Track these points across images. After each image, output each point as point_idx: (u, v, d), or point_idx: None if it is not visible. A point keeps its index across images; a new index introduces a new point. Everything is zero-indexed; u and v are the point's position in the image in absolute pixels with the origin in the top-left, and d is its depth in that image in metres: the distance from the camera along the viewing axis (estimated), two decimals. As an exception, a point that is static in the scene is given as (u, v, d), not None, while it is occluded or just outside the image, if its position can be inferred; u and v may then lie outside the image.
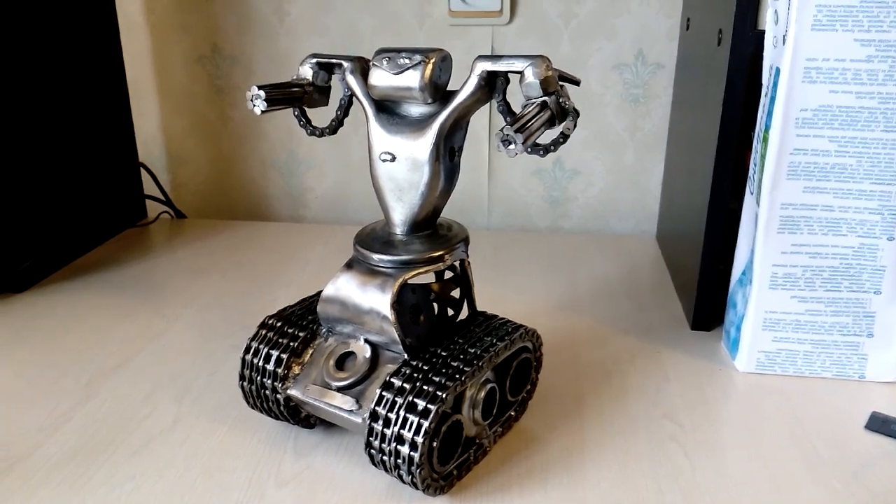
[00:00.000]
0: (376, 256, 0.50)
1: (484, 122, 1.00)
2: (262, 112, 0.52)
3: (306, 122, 0.56)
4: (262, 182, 1.09)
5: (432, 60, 0.47)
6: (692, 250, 0.72)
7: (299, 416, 0.53)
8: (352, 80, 0.52)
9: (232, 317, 0.74)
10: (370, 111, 0.51)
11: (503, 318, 0.55)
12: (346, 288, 0.50)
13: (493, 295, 0.79)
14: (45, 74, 0.82)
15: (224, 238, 0.97)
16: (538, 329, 0.69)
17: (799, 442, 0.54)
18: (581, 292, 0.80)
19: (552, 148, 0.45)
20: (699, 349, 0.67)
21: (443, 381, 0.46)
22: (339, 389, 0.49)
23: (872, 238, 0.58)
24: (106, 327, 0.72)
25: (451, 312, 0.56)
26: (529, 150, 0.44)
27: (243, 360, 0.53)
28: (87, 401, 0.59)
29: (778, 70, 0.56)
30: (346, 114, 0.54)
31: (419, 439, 0.44)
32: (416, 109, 0.50)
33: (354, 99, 0.53)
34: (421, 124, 0.49)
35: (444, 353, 0.49)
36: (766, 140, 0.58)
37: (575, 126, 0.45)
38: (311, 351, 0.52)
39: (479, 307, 0.56)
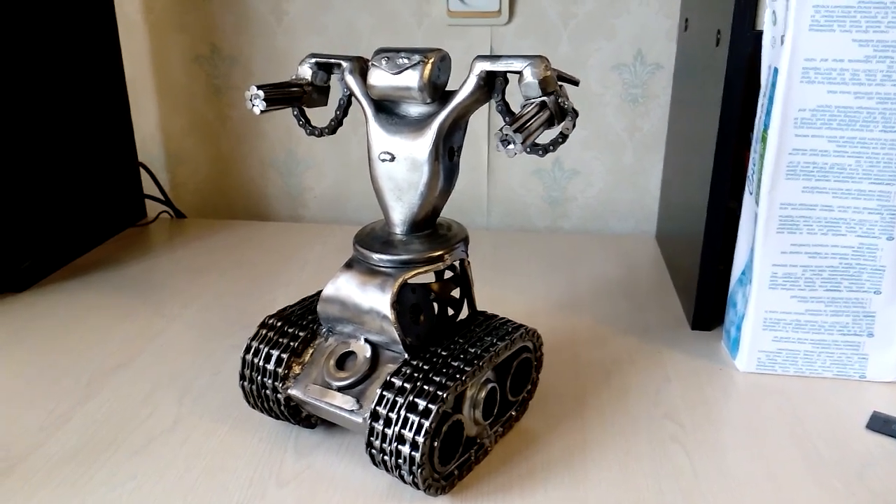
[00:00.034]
0: (376, 256, 0.50)
1: (483, 122, 1.00)
2: (261, 112, 0.52)
3: (305, 122, 0.56)
4: (261, 182, 1.09)
5: (431, 60, 0.47)
6: (692, 250, 0.72)
7: (300, 415, 0.53)
8: (351, 80, 0.52)
9: (232, 316, 0.74)
10: (369, 111, 0.51)
11: (503, 318, 0.55)
12: (346, 288, 0.50)
13: (492, 295, 0.79)
14: (44, 74, 0.82)
15: (223, 238, 0.97)
16: (538, 329, 0.69)
17: (800, 442, 0.54)
18: (581, 292, 0.80)
19: (551, 148, 0.45)
20: (699, 349, 0.67)
21: (443, 380, 0.46)
22: (340, 389, 0.49)
23: (872, 238, 0.58)
24: (106, 327, 0.72)
25: (451, 312, 0.56)
26: (528, 150, 0.44)
27: (244, 359, 0.53)
28: (88, 401, 0.59)
29: (776, 70, 0.56)
30: (345, 113, 0.55)
31: (420, 439, 0.44)
32: (415, 109, 0.50)
33: (353, 99, 0.53)
34: (420, 124, 0.49)
35: (444, 353, 0.49)
36: (764, 140, 0.58)
37: (574, 126, 0.45)
38: (311, 351, 0.52)
39: (479, 307, 0.56)
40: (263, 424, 0.56)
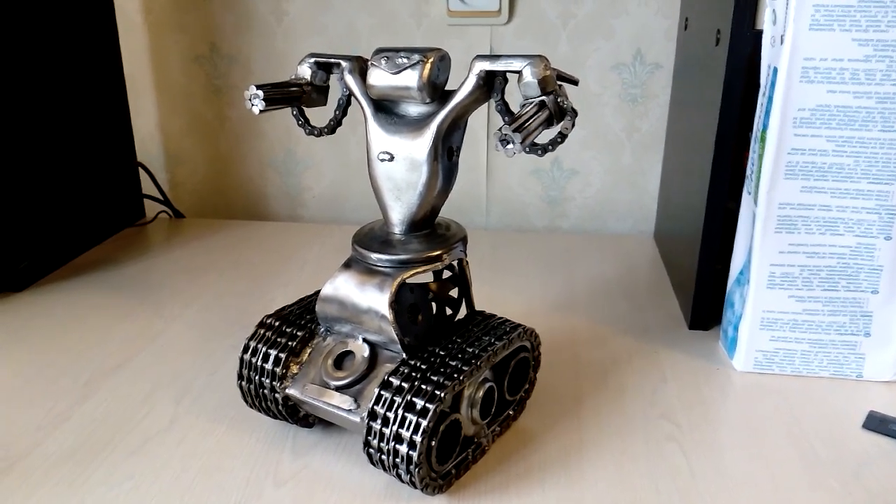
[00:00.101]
0: (374, 256, 0.50)
1: (482, 121, 1.00)
2: (261, 112, 0.52)
3: (304, 122, 0.56)
4: (260, 181, 1.09)
5: (430, 60, 0.47)
6: (690, 250, 0.72)
7: (298, 415, 0.53)
8: (350, 80, 0.52)
9: (231, 316, 0.74)
10: (368, 111, 0.51)
11: (501, 318, 0.55)
12: (345, 287, 0.50)
13: (491, 294, 0.79)
14: (43, 73, 0.82)
15: (222, 237, 0.97)
16: (536, 328, 0.69)
17: (797, 441, 0.54)
18: (579, 292, 0.80)
19: (550, 147, 0.45)
20: (697, 349, 0.67)
21: (441, 380, 0.46)
22: (338, 388, 0.49)
23: (870, 238, 0.58)
24: (105, 327, 0.72)
25: (449, 312, 0.56)
26: (527, 149, 0.44)
27: (242, 359, 0.53)
28: (86, 400, 0.59)
29: (776, 70, 0.56)
30: (344, 113, 0.55)
31: (418, 438, 0.44)
32: (414, 109, 0.50)
33: (353, 98, 0.53)
34: (419, 124, 0.49)
35: (442, 353, 0.49)
36: (763, 140, 0.58)
37: (573, 126, 0.45)
38: (309, 350, 0.52)
39: (478, 307, 0.56)
40: (261, 424, 0.56)
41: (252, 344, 0.53)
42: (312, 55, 0.54)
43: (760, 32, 0.60)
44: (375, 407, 0.46)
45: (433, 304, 0.54)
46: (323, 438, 0.54)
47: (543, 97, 0.45)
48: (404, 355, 0.49)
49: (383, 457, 0.46)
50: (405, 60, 0.48)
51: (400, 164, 0.50)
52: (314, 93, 0.55)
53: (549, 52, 0.96)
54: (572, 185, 1.02)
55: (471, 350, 0.49)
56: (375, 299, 0.49)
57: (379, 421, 0.46)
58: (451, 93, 0.49)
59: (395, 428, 0.45)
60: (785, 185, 0.58)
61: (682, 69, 0.85)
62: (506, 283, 0.82)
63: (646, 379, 0.62)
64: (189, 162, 1.10)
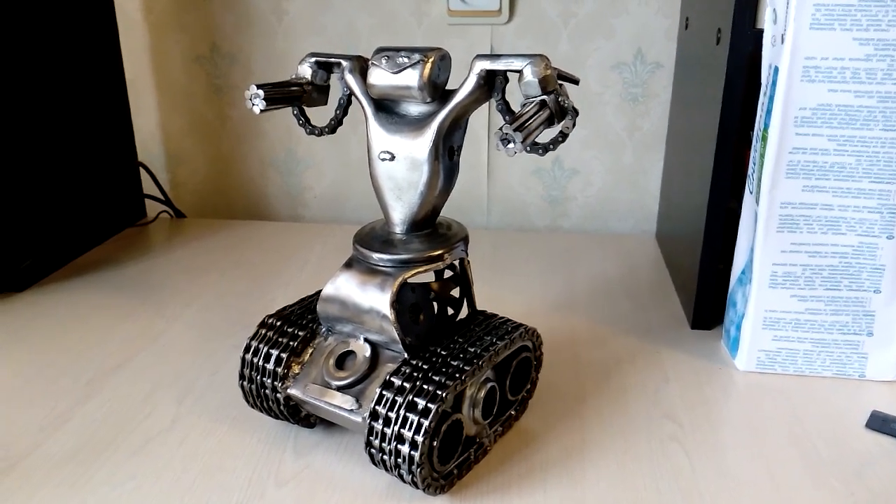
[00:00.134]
0: (376, 255, 0.50)
1: (483, 121, 1.00)
2: (261, 111, 0.52)
3: (305, 122, 0.56)
4: (261, 181, 1.09)
5: (431, 59, 0.47)
6: (692, 249, 0.72)
7: (299, 415, 0.53)
8: (351, 80, 0.52)
9: (232, 316, 0.74)
10: (369, 110, 0.51)
11: (503, 318, 0.55)
12: (346, 287, 0.50)
13: (492, 294, 0.79)
14: (44, 73, 0.82)
15: (223, 237, 0.97)
16: (538, 328, 0.69)
17: (799, 441, 0.54)
18: (580, 292, 0.80)
19: (551, 147, 0.45)
20: (699, 348, 0.67)
21: (443, 380, 0.46)
22: (339, 388, 0.49)
23: (872, 237, 0.58)
24: (106, 327, 0.72)
25: (450, 311, 0.56)
26: (528, 149, 0.44)
27: (243, 359, 0.53)
28: (88, 400, 0.59)
29: (777, 69, 0.56)
30: (345, 113, 0.54)
31: (419, 438, 0.44)
32: (415, 108, 0.50)
33: (353, 98, 0.53)
34: (420, 123, 0.49)
35: (443, 353, 0.49)
36: (765, 139, 0.58)
37: (574, 125, 0.45)
38: (310, 350, 0.52)
39: (479, 306, 0.56)
40: (263, 424, 0.56)
41: (253, 344, 0.53)
42: (313, 55, 0.54)
43: (761, 31, 0.60)
44: (377, 407, 0.46)
45: (434, 304, 0.54)
46: (324, 438, 0.54)
47: (544, 96, 0.45)
48: (406, 355, 0.49)
49: (385, 457, 0.46)
50: (406, 60, 0.48)
51: (401, 163, 0.50)
52: (315, 92, 0.55)
53: (549, 52, 0.96)
54: (573, 185, 1.02)
55: (472, 350, 0.49)
56: (377, 299, 0.49)
57: (381, 421, 0.46)
58: (452, 92, 0.49)
59: (396, 428, 0.45)
60: (787, 185, 0.58)
61: (683, 68, 0.85)
62: (507, 282, 0.82)
63: (648, 379, 0.62)
64: (190, 162, 1.10)
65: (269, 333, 0.53)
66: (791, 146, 0.57)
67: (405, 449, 0.45)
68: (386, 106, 0.51)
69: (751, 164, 0.62)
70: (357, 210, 1.08)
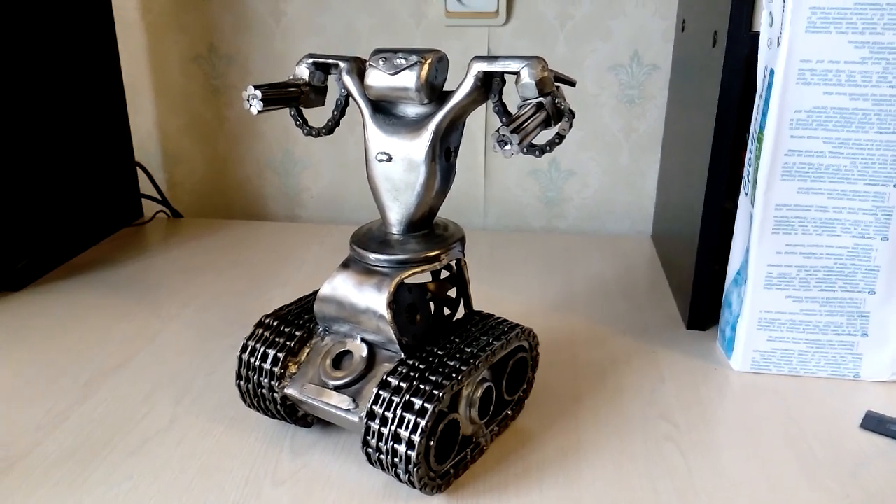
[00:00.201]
0: (373, 256, 0.50)
1: (480, 122, 1.00)
2: (259, 112, 0.52)
3: (303, 122, 0.56)
4: (258, 181, 1.09)
5: (428, 61, 0.48)
6: (687, 250, 0.73)
7: (296, 415, 0.54)
8: (348, 81, 0.52)
9: (229, 316, 0.74)
10: (366, 111, 0.51)
11: (499, 318, 0.55)
12: (343, 287, 0.50)
13: (489, 295, 0.79)
14: (41, 73, 0.81)
15: (220, 237, 0.97)
16: (534, 328, 0.70)
17: (794, 441, 0.54)
18: (577, 292, 0.80)
19: (548, 148, 0.46)
20: (695, 349, 0.68)
21: (439, 380, 0.46)
22: (336, 388, 0.49)
23: (866, 238, 0.58)
24: (103, 327, 0.72)
25: (447, 312, 0.56)
26: (525, 150, 0.45)
27: (240, 359, 0.53)
28: (86, 400, 0.59)
29: (772, 71, 0.56)
30: (342, 114, 0.55)
31: (416, 438, 0.44)
32: (412, 110, 0.50)
33: (351, 99, 0.53)
34: (417, 125, 0.49)
35: (440, 353, 0.49)
36: (760, 141, 0.58)
37: (571, 127, 0.46)
38: (307, 350, 0.53)
39: (476, 307, 0.56)
40: (260, 424, 0.56)
41: (250, 344, 0.53)
42: (310, 56, 0.54)
43: (757, 34, 0.60)
44: (374, 406, 0.46)
45: (431, 304, 0.54)
46: (321, 438, 0.54)
47: (541, 98, 0.45)
48: (402, 355, 0.49)
49: (382, 456, 0.46)
50: (403, 61, 0.48)
51: (398, 164, 0.50)
52: (312, 93, 0.55)
53: (546, 54, 0.96)
54: (570, 186, 1.02)
55: (469, 350, 0.50)
56: (374, 299, 0.49)
57: (377, 420, 0.46)
58: (449, 94, 0.49)
59: (393, 427, 0.45)
60: (782, 186, 0.58)
61: (680, 70, 0.85)
62: (504, 283, 0.82)
63: (644, 379, 0.63)
64: (187, 162, 1.10)
65: (266, 333, 0.53)
66: (786, 148, 0.57)
67: (402, 448, 0.45)
68: (383, 107, 0.51)
69: (746, 166, 0.62)
70: (354, 211, 1.08)
